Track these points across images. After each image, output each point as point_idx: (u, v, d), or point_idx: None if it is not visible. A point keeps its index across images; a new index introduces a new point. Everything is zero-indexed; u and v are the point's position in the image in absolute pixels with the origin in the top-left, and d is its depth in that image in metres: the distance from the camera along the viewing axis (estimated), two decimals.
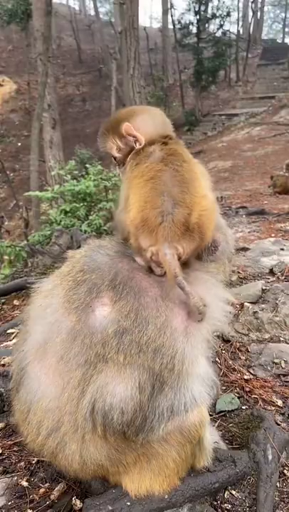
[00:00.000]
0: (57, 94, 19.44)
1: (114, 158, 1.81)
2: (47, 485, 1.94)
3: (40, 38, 15.48)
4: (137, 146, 1.73)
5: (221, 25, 31.23)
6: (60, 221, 10.39)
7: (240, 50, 36.23)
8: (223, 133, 26.76)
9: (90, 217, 11.11)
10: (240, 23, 43.90)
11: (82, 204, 11.62)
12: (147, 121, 1.77)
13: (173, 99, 32.27)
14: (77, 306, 1.63)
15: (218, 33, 32.34)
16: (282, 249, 5.03)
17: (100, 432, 1.58)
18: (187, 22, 31.00)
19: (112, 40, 36.74)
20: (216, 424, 2.33)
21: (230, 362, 2.95)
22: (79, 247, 4.09)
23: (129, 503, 1.72)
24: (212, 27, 34.22)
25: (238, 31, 40.09)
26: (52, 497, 1.87)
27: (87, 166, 14.94)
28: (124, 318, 1.60)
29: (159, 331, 1.59)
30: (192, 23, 30.55)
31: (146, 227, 1.54)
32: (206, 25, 31.60)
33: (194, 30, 30.65)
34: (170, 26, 34.42)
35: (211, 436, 2.02)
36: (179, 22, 31.55)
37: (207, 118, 31.04)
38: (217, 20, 31.01)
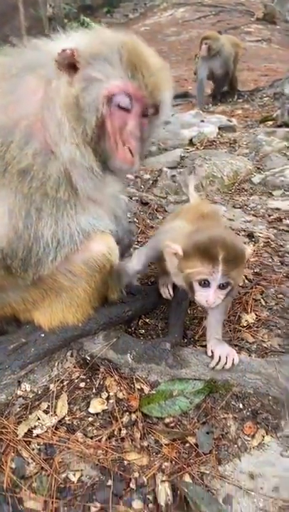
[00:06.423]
0: None
1: None
2: None
3: None
4: None
5: None
6: None
7: None
8: (145, 15, 24.48)
9: None
10: None
11: None
12: None
13: None
14: None
15: None
16: (202, 121, 4.93)
17: None
18: None
19: None
20: None
21: (148, 221, 2.97)
22: None
23: (43, 335, 1.74)
24: None
25: None
26: None
27: None
28: None
29: (20, 151, 1.42)
30: None
31: None
32: None
33: None
34: None
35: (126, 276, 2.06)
36: None
37: None
38: None
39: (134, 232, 2.79)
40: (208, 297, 1.55)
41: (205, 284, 1.54)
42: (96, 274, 1.69)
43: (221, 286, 1.55)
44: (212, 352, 1.74)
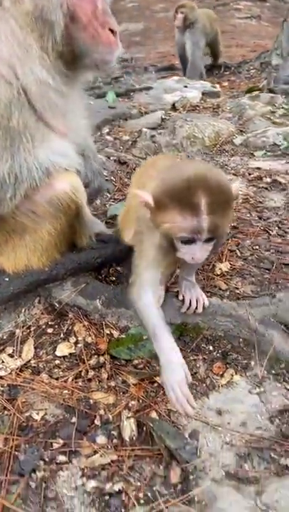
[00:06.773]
0: None
1: None
2: None
3: None
4: None
5: None
6: None
7: None
8: None
9: None
10: None
11: None
12: None
13: None
14: None
15: None
16: (185, 86, 4.82)
17: None
18: None
19: None
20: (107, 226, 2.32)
21: (125, 180, 2.89)
22: None
23: (7, 279, 1.69)
24: None
25: None
26: None
27: None
28: None
29: None
30: None
31: None
32: None
33: None
34: None
35: (96, 224, 2.01)
36: None
37: None
38: None
39: (109, 190, 2.73)
40: (194, 254, 1.26)
41: (188, 241, 1.25)
42: (61, 215, 1.62)
43: (208, 240, 1.26)
44: (183, 296, 1.70)
